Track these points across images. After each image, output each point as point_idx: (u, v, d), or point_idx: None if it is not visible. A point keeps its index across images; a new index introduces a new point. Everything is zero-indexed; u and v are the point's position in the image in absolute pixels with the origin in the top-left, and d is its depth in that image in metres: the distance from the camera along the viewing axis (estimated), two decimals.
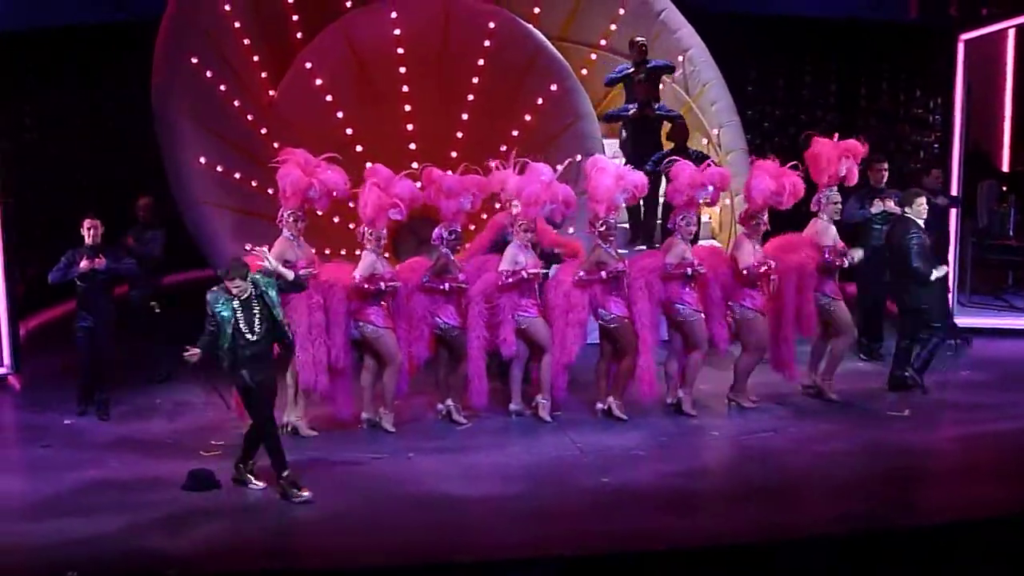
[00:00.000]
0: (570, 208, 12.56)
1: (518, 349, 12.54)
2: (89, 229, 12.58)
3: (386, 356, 12.24)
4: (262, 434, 10.86)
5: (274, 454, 10.78)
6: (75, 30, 16.19)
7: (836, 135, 13.18)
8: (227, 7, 15.45)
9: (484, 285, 12.40)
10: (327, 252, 14.71)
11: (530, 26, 15.99)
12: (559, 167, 12.75)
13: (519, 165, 12.59)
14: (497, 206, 13.18)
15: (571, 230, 14.68)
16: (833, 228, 12.94)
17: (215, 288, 10.73)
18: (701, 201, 12.72)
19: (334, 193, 12.20)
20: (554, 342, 12.45)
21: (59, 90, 16.44)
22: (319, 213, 12.77)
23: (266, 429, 10.85)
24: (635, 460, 11.42)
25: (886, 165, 14.13)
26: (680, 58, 16.31)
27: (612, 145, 16.05)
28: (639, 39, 15.82)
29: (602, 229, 12.40)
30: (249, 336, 10.60)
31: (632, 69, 15.67)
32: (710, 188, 12.55)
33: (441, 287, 12.22)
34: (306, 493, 10.69)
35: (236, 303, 10.60)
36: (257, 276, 10.74)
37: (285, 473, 10.76)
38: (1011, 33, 15.70)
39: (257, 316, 10.64)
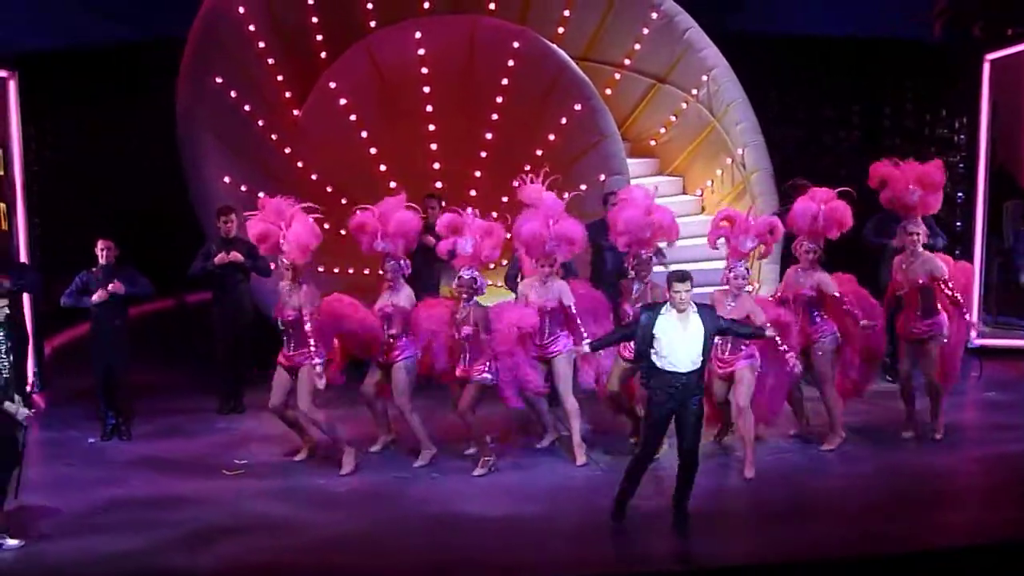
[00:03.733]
0: (575, 246, 12.07)
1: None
2: (103, 250, 12.58)
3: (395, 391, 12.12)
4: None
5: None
6: (99, 50, 16.30)
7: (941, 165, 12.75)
8: (251, 27, 15.52)
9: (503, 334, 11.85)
10: (335, 270, 14.76)
11: (554, 46, 16.01)
12: (566, 195, 12.27)
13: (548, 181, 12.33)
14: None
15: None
16: (920, 259, 12.24)
17: None
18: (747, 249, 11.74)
19: (308, 246, 11.70)
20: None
21: (85, 110, 16.53)
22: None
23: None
24: (658, 481, 11.36)
25: None
26: (704, 77, 16.32)
27: (636, 165, 16.05)
28: None
29: (634, 264, 12.03)
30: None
31: None
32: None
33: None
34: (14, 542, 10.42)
35: None
36: None
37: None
38: None
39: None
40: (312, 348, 11.63)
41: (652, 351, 10.34)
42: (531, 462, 12.19)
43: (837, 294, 12.10)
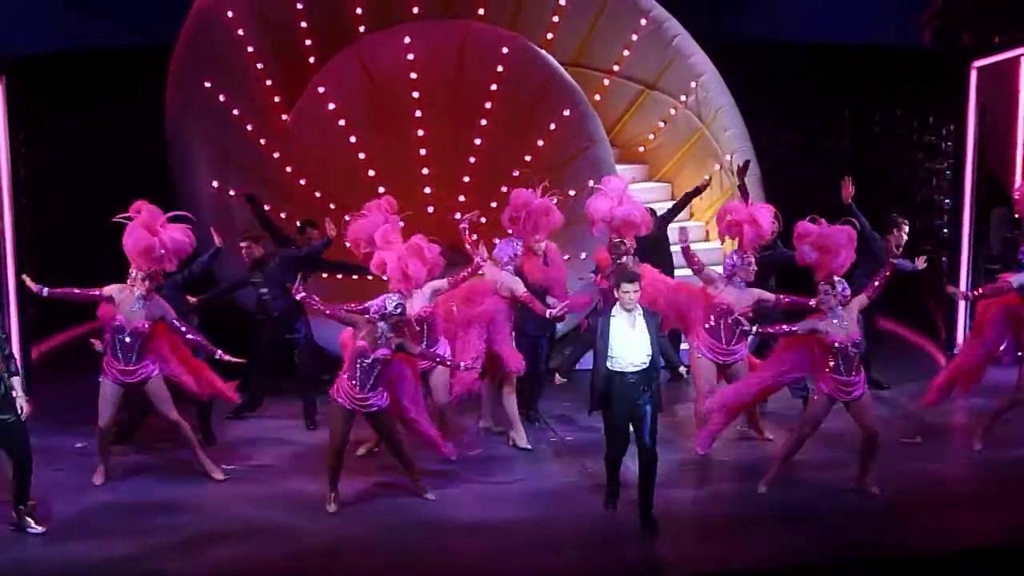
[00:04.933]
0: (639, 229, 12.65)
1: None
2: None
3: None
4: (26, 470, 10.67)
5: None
6: (88, 54, 16.24)
7: None
8: (240, 31, 15.47)
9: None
10: (338, 276, 14.68)
11: (544, 52, 15.98)
12: (554, 198, 12.95)
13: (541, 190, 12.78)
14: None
15: (583, 255, 14.70)
16: None
17: None
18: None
19: (181, 252, 11.67)
20: None
21: (75, 114, 16.47)
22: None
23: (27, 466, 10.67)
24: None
25: (907, 228, 14.00)
26: (693, 84, 16.33)
27: (625, 171, 16.05)
28: None
29: (610, 247, 12.67)
30: None
31: None
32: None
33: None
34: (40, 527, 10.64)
35: None
36: None
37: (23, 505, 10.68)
38: None
39: None
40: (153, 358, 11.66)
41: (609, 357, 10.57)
42: (515, 467, 12.21)
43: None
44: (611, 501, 11.04)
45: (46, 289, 11.60)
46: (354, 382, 10.94)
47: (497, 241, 12.91)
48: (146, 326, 11.56)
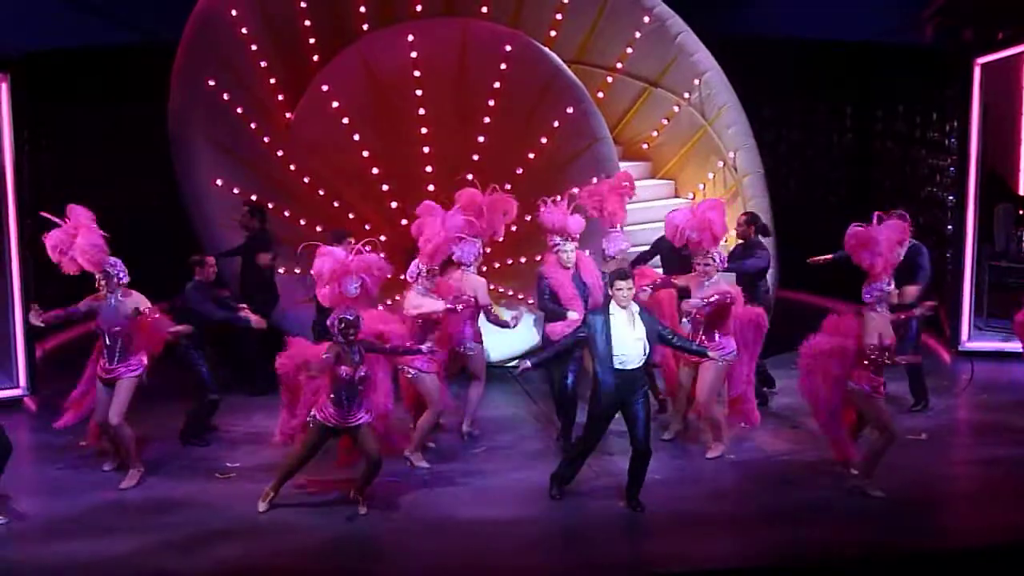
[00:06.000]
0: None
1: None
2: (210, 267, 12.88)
3: (425, 398, 12.14)
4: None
5: None
6: (92, 52, 16.27)
7: None
8: (244, 30, 15.48)
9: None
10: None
11: (546, 49, 15.97)
12: (558, 196, 13.01)
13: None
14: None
15: (588, 252, 14.68)
16: None
17: None
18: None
19: (91, 259, 11.60)
20: None
21: (76, 111, 16.50)
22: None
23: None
24: (652, 484, 11.37)
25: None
26: (696, 81, 16.31)
27: (629, 168, 16.03)
28: None
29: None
30: None
31: None
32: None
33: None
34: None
35: None
36: None
37: None
38: None
39: None
40: (137, 356, 11.72)
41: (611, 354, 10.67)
42: (519, 464, 12.21)
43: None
44: (556, 486, 11.17)
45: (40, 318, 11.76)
46: (340, 405, 10.88)
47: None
48: (124, 325, 11.61)
